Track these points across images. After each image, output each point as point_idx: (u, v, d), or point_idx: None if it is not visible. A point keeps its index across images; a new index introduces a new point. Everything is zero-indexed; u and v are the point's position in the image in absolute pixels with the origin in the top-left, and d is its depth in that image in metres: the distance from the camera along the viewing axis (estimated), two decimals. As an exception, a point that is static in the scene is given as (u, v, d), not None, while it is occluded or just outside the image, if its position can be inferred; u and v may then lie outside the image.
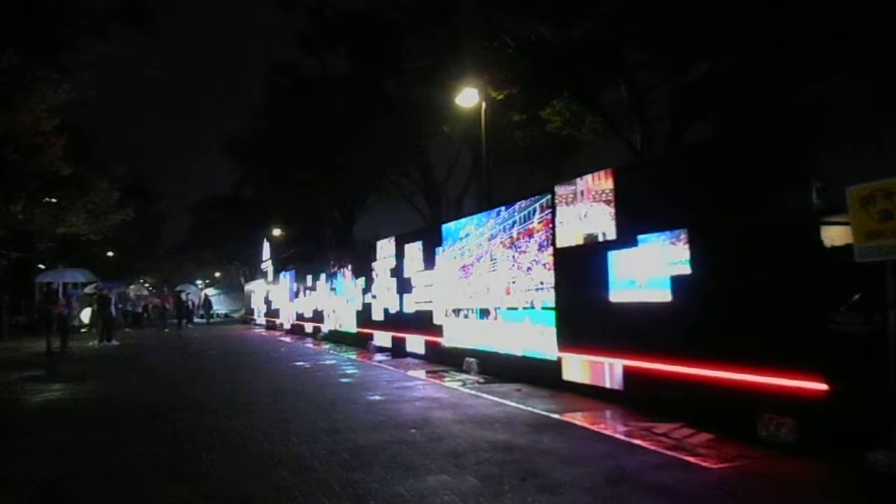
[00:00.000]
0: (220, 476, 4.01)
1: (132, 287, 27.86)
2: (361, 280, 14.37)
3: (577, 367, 6.97)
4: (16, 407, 7.24)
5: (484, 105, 13.22)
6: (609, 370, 6.42)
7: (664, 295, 5.65)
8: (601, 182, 6.66)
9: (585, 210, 6.88)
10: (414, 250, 11.50)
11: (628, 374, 6.14)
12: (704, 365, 5.14)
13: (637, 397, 5.99)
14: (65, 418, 6.38)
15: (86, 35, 15.59)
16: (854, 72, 10.63)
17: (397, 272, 12.21)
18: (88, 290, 23.73)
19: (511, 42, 13.31)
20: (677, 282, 5.55)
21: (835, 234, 5.98)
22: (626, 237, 6.18)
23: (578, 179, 7.04)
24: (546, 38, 12.74)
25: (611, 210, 6.47)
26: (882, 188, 3.83)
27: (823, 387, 4.20)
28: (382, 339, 12.92)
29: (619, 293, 6.27)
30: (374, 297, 13.51)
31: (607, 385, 6.43)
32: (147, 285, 47.67)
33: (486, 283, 8.98)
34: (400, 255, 12.13)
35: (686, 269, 5.45)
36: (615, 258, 6.34)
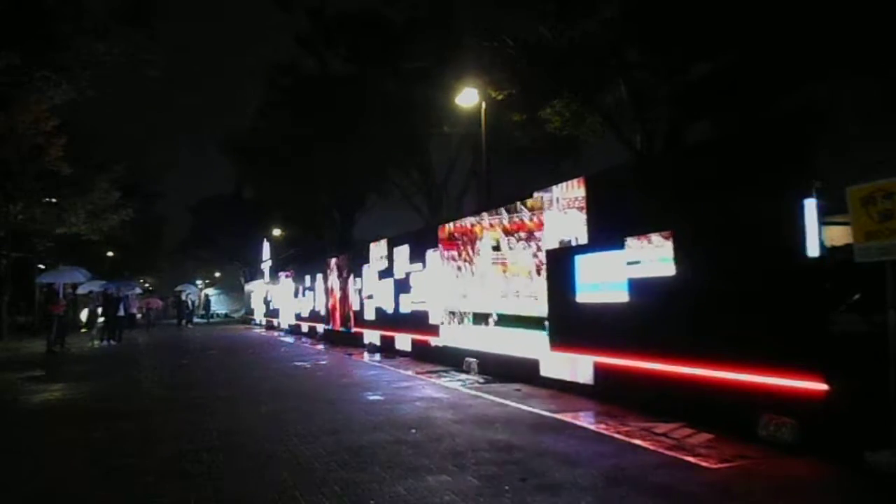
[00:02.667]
0: (220, 476, 4.01)
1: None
2: (358, 280, 14.40)
3: (554, 364, 7.37)
4: (16, 406, 7.25)
5: (484, 105, 13.22)
6: (581, 366, 6.84)
7: (623, 296, 6.08)
8: (574, 189, 6.98)
9: (560, 215, 7.21)
10: (411, 251, 11.52)
11: (598, 369, 6.60)
12: (702, 364, 5.17)
13: (606, 391, 6.42)
14: (64, 418, 6.38)
15: (85, 35, 15.56)
16: (856, 71, 10.62)
17: (394, 273, 12.24)
18: (82, 290, 23.52)
19: (511, 42, 13.30)
20: (637, 284, 5.95)
21: (835, 234, 5.98)
22: (597, 241, 6.57)
23: (554, 186, 7.34)
24: (546, 38, 12.73)
25: (583, 216, 6.78)
26: (882, 188, 3.82)
27: (822, 387, 4.20)
28: (381, 339, 12.92)
29: (588, 294, 6.70)
30: (370, 297, 13.55)
31: (579, 380, 6.85)
32: (147, 286, 47.66)
33: (480, 282, 9.02)
34: (396, 256, 12.18)
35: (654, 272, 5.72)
36: (584, 261, 6.76)
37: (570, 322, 7.04)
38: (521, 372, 7.86)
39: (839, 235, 5.67)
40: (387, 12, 20.81)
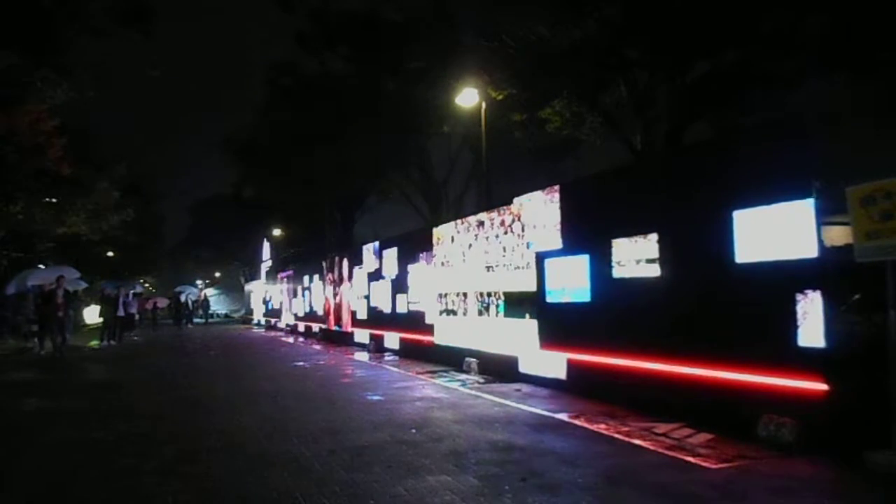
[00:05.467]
0: (221, 476, 4.01)
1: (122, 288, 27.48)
2: (355, 281, 14.44)
3: (533, 361, 7.79)
4: (16, 407, 7.24)
5: (484, 105, 13.23)
6: (556, 363, 7.27)
7: (586, 297, 6.73)
8: (550, 195, 7.40)
9: (537, 220, 7.63)
10: (406, 252, 11.63)
11: (570, 365, 7.03)
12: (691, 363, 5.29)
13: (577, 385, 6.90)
14: (65, 418, 6.37)
15: (85, 35, 15.55)
16: (856, 71, 10.62)
17: (390, 274, 12.34)
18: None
19: (511, 42, 13.30)
20: (597, 287, 6.58)
21: (835, 235, 5.98)
22: (570, 246, 7.05)
23: (536, 192, 7.71)
24: (546, 38, 12.72)
25: (557, 221, 7.24)
26: (882, 188, 3.82)
27: (822, 387, 4.20)
28: (380, 338, 12.93)
29: (557, 296, 7.25)
30: (367, 297, 13.60)
31: (553, 375, 7.29)
32: (147, 285, 47.63)
33: (474, 282, 9.15)
34: (391, 257, 12.31)
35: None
36: (552, 264, 7.35)
37: (552, 322, 7.40)
38: (505, 369, 8.22)
39: (839, 235, 5.67)
40: (387, 12, 20.81)
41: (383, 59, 20.62)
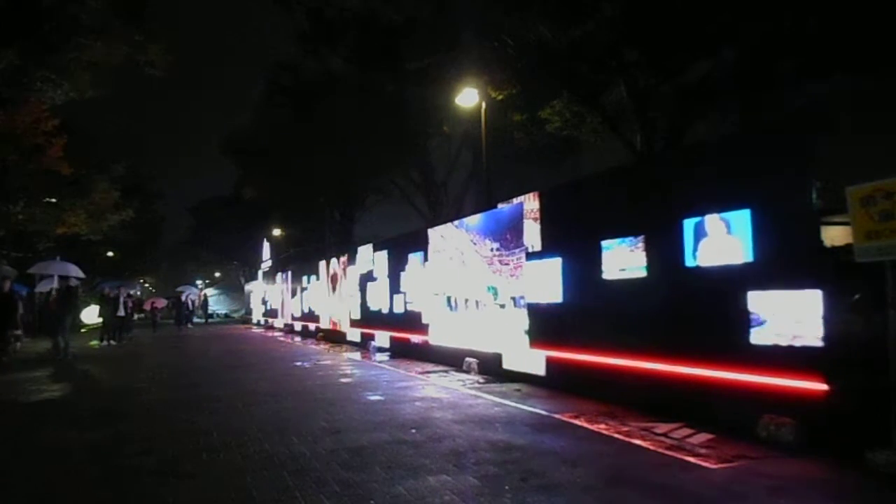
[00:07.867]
0: (221, 476, 4.01)
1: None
2: (352, 281, 14.45)
3: (515, 358, 8.13)
4: (16, 407, 7.24)
5: (484, 105, 13.22)
6: (536, 360, 7.65)
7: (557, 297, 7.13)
8: (532, 202, 7.74)
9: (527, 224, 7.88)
10: (402, 253, 11.66)
11: (549, 362, 7.43)
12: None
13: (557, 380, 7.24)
14: (65, 417, 6.38)
15: (85, 35, 15.54)
16: (855, 71, 10.62)
17: (387, 275, 12.38)
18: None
19: (511, 42, 13.30)
20: (580, 289, 6.88)
21: (835, 235, 5.98)
22: (549, 248, 7.40)
23: (520, 197, 8.01)
24: (546, 38, 12.73)
25: (538, 226, 7.59)
26: (882, 188, 3.82)
27: (822, 387, 4.20)
28: (380, 339, 12.94)
29: (537, 297, 7.58)
30: (364, 297, 13.62)
31: (535, 372, 7.63)
32: (147, 285, 47.61)
33: (469, 282, 9.21)
34: (386, 259, 12.40)
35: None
36: (534, 267, 7.67)
37: (539, 322, 7.63)
38: (497, 367, 8.46)
39: (839, 235, 5.67)
40: (387, 12, 20.80)
41: (383, 59, 20.61)
